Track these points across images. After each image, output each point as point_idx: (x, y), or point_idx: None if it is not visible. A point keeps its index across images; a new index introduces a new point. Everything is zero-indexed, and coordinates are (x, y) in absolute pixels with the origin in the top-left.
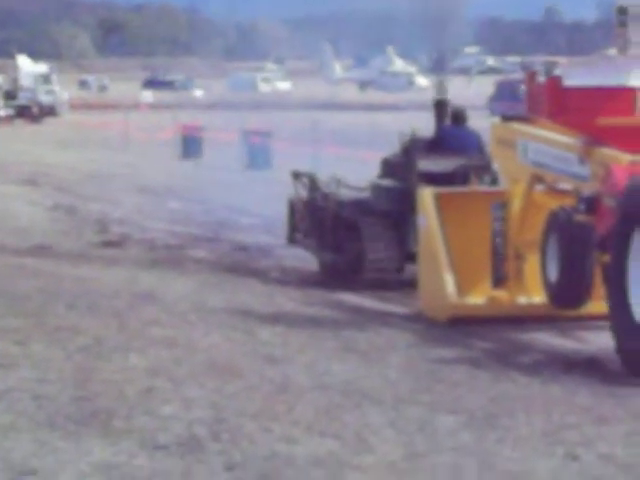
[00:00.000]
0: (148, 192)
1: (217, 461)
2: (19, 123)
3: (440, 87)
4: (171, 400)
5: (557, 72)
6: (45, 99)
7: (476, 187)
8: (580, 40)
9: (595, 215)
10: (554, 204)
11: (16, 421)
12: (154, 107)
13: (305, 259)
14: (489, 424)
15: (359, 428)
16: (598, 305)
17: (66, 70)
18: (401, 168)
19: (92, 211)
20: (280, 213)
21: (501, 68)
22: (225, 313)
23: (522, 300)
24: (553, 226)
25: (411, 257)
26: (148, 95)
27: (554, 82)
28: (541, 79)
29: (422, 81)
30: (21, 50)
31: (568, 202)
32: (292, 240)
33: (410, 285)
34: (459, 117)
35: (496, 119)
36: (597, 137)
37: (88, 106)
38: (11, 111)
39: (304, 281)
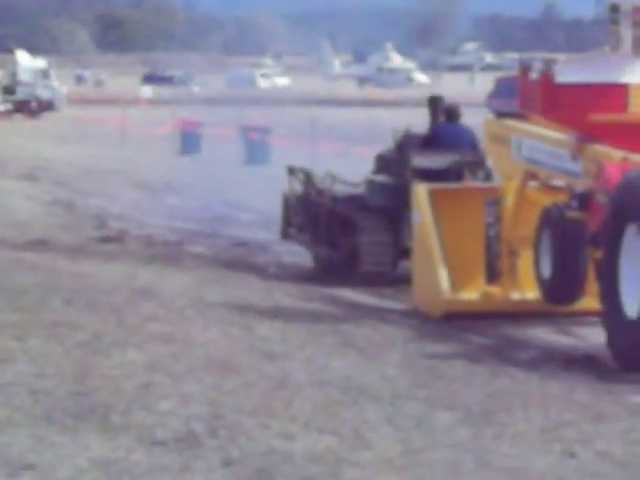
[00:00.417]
0: (146, 187)
1: (215, 457)
2: (18, 118)
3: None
4: (169, 396)
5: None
6: (44, 94)
7: (470, 183)
8: (579, 37)
9: (588, 211)
10: (547, 200)
11: (13, 416)
12: (153, 102)
13: (303, 255)
14: (486, 420)
15: (357, 424)
16: (591, 301)
17: (65, 65)
18: (395, 164)
19: (90, 206)
20: (278, 209)
21: (500, 65)
22: (223, 309)
23: (515, 296)
24: (546, 222)
25: (405, 253)
26: (147, 90)
27: (546, 79)
28: (534, 75)
29: (421, 77)
30: (20, 45)
31: (561, 198)
32: (285, 235)
33: (404, 281)
34: (453, 114)
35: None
36: (589, 134)
37: (87, 101)
38: (10, 106)
39: (302, 277)
